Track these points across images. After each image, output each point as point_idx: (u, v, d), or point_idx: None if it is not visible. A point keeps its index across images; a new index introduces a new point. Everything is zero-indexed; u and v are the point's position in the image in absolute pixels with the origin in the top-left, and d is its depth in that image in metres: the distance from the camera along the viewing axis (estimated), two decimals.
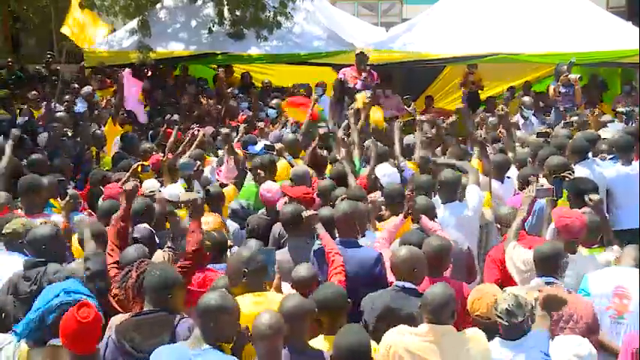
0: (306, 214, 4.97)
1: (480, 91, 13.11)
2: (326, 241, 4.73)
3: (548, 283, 4.26)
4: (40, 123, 9.30)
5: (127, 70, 10.23)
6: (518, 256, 4.78)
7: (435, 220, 5.38)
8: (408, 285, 4.24)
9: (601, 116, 9.40)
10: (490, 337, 3.83)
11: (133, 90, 9.91)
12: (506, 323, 3.69)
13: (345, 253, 4.66)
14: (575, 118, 8.99)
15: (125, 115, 10.10)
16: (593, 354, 3.82)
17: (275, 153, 7.23)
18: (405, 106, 11.25)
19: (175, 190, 6.11)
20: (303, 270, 4.36)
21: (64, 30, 10.40)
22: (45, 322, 3.76)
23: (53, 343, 3.60)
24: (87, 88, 11.02)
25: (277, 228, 5.56)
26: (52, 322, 3.71)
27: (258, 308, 3.70)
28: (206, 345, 3.36)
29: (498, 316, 3.72)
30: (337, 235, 4.94)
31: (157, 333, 3.57)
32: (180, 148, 7.76)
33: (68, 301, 3.72)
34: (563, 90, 10.49)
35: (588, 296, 4.38)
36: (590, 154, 6.74)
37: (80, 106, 10.71)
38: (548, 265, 4.37)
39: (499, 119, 8.61)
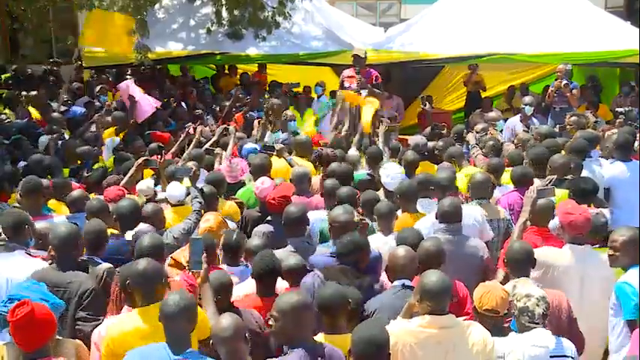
0: None
1: (482, 92, 13.13)
2: None
3: None
4: (40, 124, 9.25)
5: (125, 83, 9.93)
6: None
7: None
8: (407, 282, 4.28)
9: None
10: (495, 332, 3.87)
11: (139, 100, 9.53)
12: (535, 325, 3.84)
13: None
14: (574, 119, 8.98)
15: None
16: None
17: (275, 153, 7.16)
18: (425, 105, 11.10)
19: (176, 189, 6.05)
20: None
21: (89, 43, 10.38)
22: None
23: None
24: (75, 84, 10.92)
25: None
26: None
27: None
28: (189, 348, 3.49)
29: (525, 315, 3.84)
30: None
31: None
32: (174, 148, 7.74)
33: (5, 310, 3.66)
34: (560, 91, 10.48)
35: (632, 289, 4.18)
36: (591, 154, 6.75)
37: (78, 108, 10.69)
38: (519, 265, 4.43)
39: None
